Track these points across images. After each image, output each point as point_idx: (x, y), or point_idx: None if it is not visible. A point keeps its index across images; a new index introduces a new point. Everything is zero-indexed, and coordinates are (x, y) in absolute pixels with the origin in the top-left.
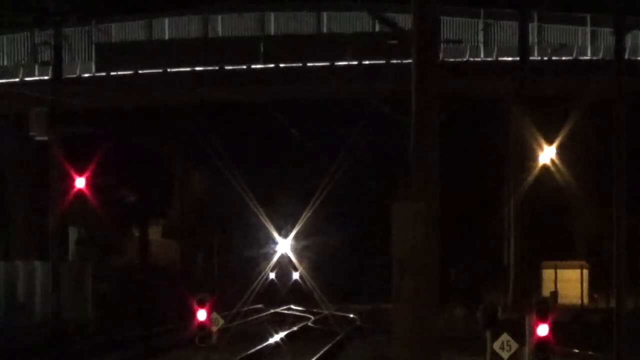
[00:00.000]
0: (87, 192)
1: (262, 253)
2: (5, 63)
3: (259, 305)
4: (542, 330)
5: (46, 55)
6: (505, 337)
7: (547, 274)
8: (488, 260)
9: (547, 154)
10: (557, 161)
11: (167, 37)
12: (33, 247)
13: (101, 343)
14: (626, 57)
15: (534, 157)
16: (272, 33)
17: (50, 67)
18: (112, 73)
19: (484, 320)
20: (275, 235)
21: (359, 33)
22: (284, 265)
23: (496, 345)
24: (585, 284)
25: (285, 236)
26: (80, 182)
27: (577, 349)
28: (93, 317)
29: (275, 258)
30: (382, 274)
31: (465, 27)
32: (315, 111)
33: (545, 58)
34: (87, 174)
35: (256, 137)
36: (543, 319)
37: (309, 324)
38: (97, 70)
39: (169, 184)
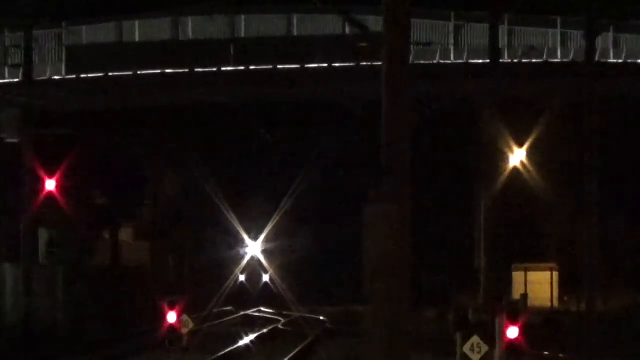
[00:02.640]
0: (57, 194)
1: (232, 255)
2: None
3: (230, 308)
4: (513, 332)
5: (16, 57)
6: (475, 339)
7: (518, 276)
8: (459, 263)
9: (517, 157)
10: (527, 164)
11: (137, 39)
12: (3, 249)
13: (72, 346)
14: (596, 59)
15: (504, 160)
16: (243, 35)
17: (21, 70)
18: (83, 75)
19: (455, 323)
20: (246, 237)
21: (330, 35)
22: (255, 268)
23: (466, 348)
24: (556, 287)
25: (256, 238)
26: (50, 184)
27: (547, 351)
28: (64, 319)
29: (246, 260)
30: (353, 276)
31: (435, 29)
32: (286, 113)
33: (516, 60)
34: (57, 175)
35: (227, 139)
36: (513, 322)
37: (280, 326)
38: (68, 73)
39: (141, 186)
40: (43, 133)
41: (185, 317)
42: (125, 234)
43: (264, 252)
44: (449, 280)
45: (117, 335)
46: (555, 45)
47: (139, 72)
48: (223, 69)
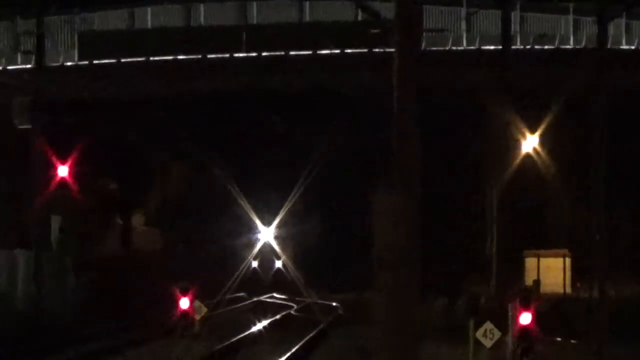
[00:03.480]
0: (69, 180)
1: (244, 241)
2: None
3: (242, 294)
4: (525, 318)
5: (28, 44)
6: (488, 325)
7: (530, 262)
8: (470, 250)
9: (528, 144)
10: (539, 150)
11: (149, 26)
12: (15, 236)
13: (82, 333)
14: (608, 46)
15: (515, 146)
16: (255, 22)
17: (33, 56)
18: (95, 62)
19: (467, 309)
20: (258, 223)
21: (342, 22)
22: (267, 254)
23: (479, 334)
24: (568, 273)
25: (268, 224)
26: (62, 171)
27: (559, 337)
28: (74, 307)
29: (258, 246)
30: (365, 263)
31: (447, 15)
32: (297, 100)
33: (528, 47)
34: (69, 162)
35: (238, 125)
36: (526, 308)
37: (292, 312)
38: (80, 59)
39: (152, 172)
40: (54, 120)
41: (197, 303)
42: (137, 220)
43: (277, 238)
44: (460, 268)
45: (128, 322)
46: (568, 33)
47: (151, 59)
48: (235, 55)
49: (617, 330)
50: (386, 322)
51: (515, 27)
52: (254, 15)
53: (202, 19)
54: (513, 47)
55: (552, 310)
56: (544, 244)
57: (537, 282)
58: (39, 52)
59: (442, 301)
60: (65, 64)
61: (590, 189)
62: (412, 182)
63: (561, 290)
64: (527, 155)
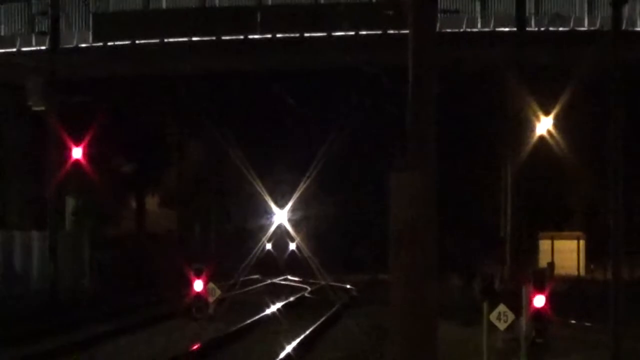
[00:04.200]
0: (84, 161)
1: (259, 223)
2: (2, 33)
3: (256, 276)
4: (539, 301)
5: (43, 25)
6: (502, 308)
7: (544, 244)
8: (485, 231)
9: (543, 125)
10: (553, 132)
11: (164, 6)
12: (30, 217)
13: (98, 312)
14: (623, 27)
15: (531, 128)
16: (269, 3)
17: (48, 37)
18: (110, 43)
19: (481, 291)
20: (272, 205)
21: (357, 3)
22: (281, 236)
23: (493, 316)
24: (582, 255)
25: (282, 207)
26: (77, 152)
27: (574, 319)
28: (90, 286)
29: (272, 228)
30: (379, 244)
31: None
32: (312, 81)
33: (542, 29)
34: (84, 143)
35: (253, 107)
36: (540, 290)
37: (306, 294)
38: (94, 40)
39: (166, 153)
40: (69, 101)
41: (211, 285)
42: (151, 202)
43: (291, 220)
44: (475, 249)
45: (143, 301)
46: (582, 14)
47: (165, 40)
48: (249, 36)
49: (631, 312)
50: (403, 302)
51: (530, 8)
52: None
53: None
54: (528, 28)
55: (566, 292)
56: (560, 224)
57: (551, 265)
58: (54, 33)
59: (457, 281)
60: (79, 45)
61: (605, 170)
62: (428, 162)
63: (575, 273)
64: (542, 137)
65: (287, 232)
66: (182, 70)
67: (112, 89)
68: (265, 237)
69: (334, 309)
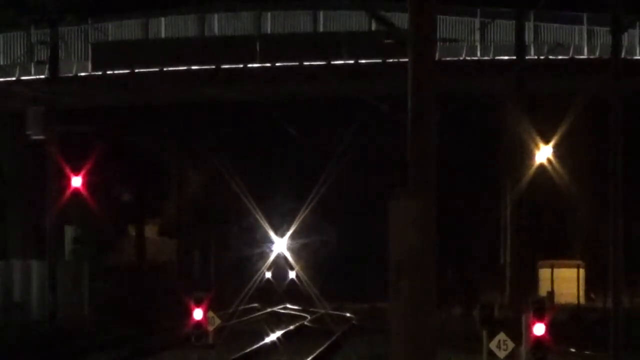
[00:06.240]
0: (83, 190)
1: (258, 252)
2: (1, 62)
3: (255, 304)
4: (539, 329)
5: (42, 54)
6: (501, 336)
7: (544, 273)
8: (485, 259)
9: (543, 153)
10: (553, 160)
11: (163, 36)
12: (29, 246)
13: (97, 342)
14: (623, 56)
15: (530, 156)
16: (269, 32)
17: (47, 66)
18: (109, 72)
19: (481, 320)
20: (272, 234)
21: (356, 32)
22: (281, 264)
23: (493, 345)
24: (582, 283)
25: (282, 235)
26: (76, 181)
27: (574, 348)
28: (89, 315)
29: (272, 257)
30: (379, 272)
31: (461, 26)
32: (311, 110)
33: (542, 57)
34: (83, 172)
35: (253, 135)
36: (540, 318)
37: (306, 323)
38: (94, 69)
39: (166, 182)
40: (68, 130)
41: (211, 314)
42: (151, 230)
43: (290, 248)
44: (475, 277)
45: (142, 331)
46: (582, 42)
47: (164, 69)
48: (249, 65)
49: (631, 340)
50: (403, 330)
51: (529, 37)
52: (268, 25)
53: (216, 29)
54: (527, 57)
55: (566, 321)
56: (560, 252)
57: (550, 294)
58: (53, 62)
59: (458, 309)
60: (79, 74)
61: (605, 198)
62: (428, 190)
63: (575, 301)
64: (542, 165)
65: (287, 260)
66: (181, 99)
67: (111, 117)
68: (265, 265)
69: (333, 338)
